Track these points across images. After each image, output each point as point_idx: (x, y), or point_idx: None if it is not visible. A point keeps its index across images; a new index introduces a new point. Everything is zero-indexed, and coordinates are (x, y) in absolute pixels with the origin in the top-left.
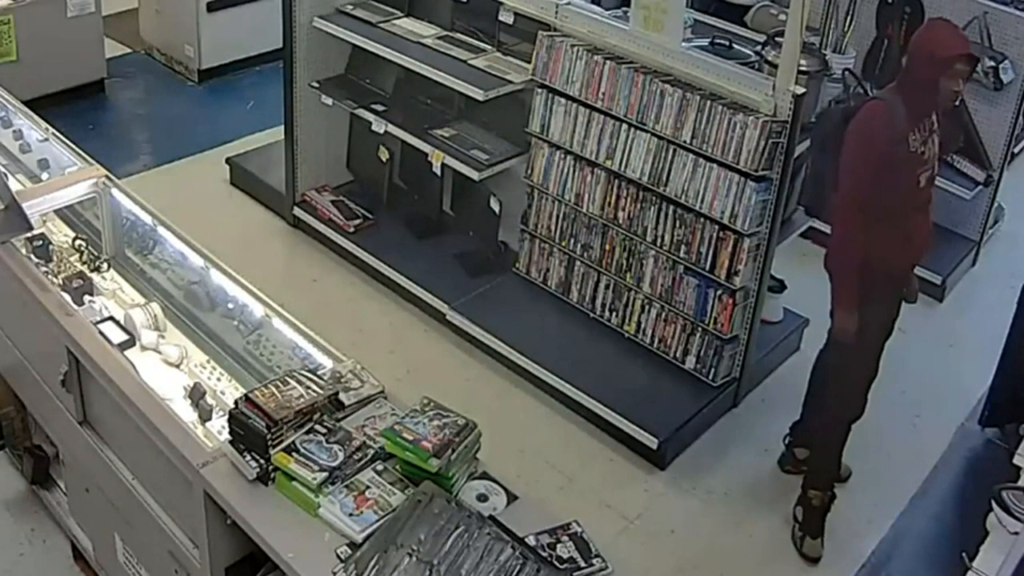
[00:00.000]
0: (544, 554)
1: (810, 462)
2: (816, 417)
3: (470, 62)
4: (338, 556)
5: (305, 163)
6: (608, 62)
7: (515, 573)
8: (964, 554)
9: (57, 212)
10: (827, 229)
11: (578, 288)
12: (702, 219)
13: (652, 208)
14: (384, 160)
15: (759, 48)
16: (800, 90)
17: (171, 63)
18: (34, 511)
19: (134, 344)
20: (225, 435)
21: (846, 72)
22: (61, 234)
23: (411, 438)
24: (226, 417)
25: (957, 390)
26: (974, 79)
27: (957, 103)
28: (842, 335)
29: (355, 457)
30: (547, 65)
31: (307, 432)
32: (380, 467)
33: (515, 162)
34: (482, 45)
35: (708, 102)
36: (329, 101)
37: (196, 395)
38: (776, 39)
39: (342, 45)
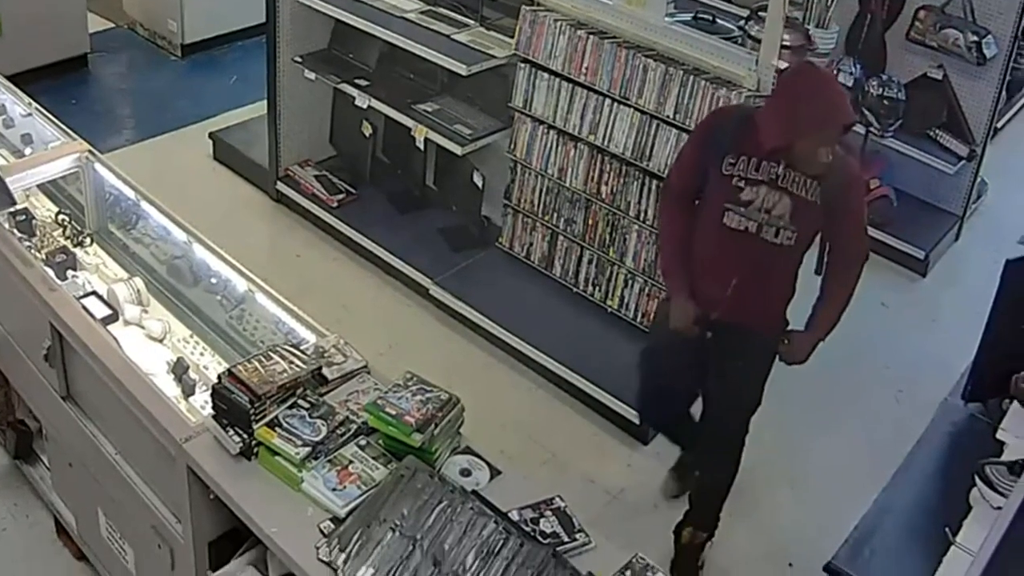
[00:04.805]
0: (527, 529)
1: None
2: None
3: (453, 37)
4: (321, 531)
5: (288, 138)
6: (591, 37)
7: (498, 548)
8: (947, 529)
9: (40, 187)
10: None
11: (561, 263)
12: None
13: (635, 183)
14: (367, 135)
15: (742, 23)
16: (783, 65)
17: (154, 38)
18: (17, 486)
19: (117, 319)
20: (208, 410)
21: None
22: (44, 209)
23: (394, 413)
24: (209, 392)
25: (940, 365)
26: (956, 54)
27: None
28: (660, 307)
29: (338, 432)
30: (530, 40)
31: (290, 407)
32: (363, 442)
33: (498, 137)
34: (465, 20)
35: (691, 77)
36: (312, 76)
37: (179, 370)
38: (759, 13)
39: (325, 19)
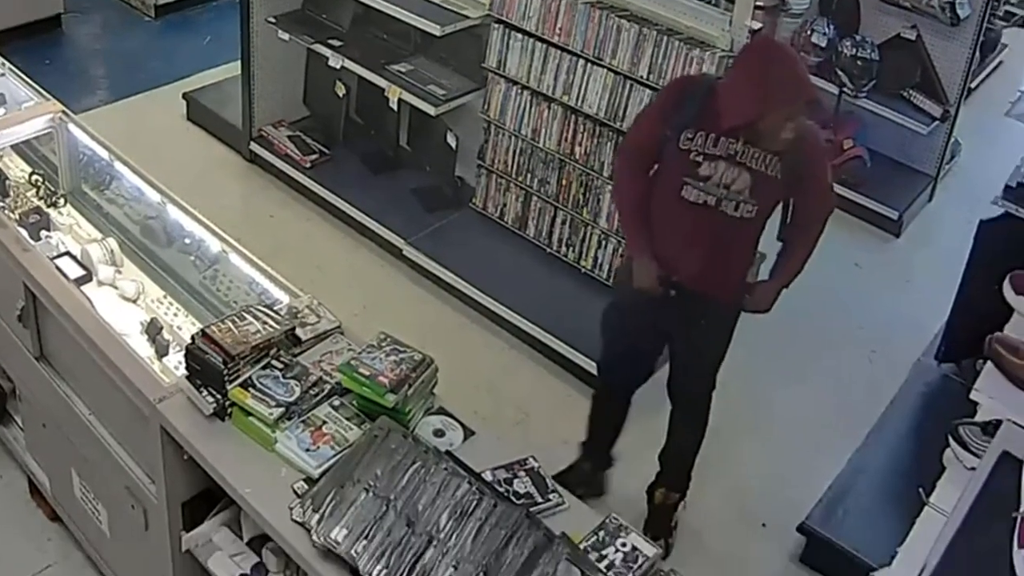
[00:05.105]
0: (501, 489)
1: None
2: None
3: None
4: (295, 491)
5: (262, 98)
6: None
7: (471, 508)
8: (921, 489)
9: (14, 147)
10: None
11: (535, 223)
12: None
13: (609, 143)
14: (341, 95)
15: None
16: (756, 25)
17: None
18: None
19: (91, 279)
20: (182, 370)
21: None
22: (18, 169)
23: (368, 373)
24: (183, 352)
25: (914, 325)
26: (930, 14)
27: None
28: (621, 268)
29: (312, 392)
30: (504, 0)
31: (264, 367)
32: (337, 402)
33: (472, 97)
34: None
35: (665, 37)
36: (286, 36)
37: (153, 330)
38: None
39: None
